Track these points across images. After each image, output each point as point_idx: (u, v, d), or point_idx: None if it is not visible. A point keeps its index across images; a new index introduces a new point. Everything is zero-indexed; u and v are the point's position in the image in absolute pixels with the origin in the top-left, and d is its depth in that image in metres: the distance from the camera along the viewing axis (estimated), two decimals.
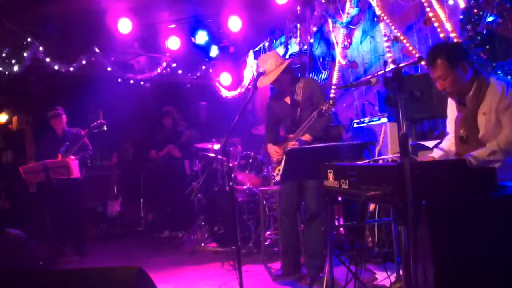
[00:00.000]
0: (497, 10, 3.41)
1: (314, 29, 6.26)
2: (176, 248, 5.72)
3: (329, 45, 6.23)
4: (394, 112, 1.91)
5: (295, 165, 3.34)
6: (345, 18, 5.57)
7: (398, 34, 4.66)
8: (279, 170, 3.79)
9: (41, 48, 6.41)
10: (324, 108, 3.34)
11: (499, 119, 2.41)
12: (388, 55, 4.79)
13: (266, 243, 4.85)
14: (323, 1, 5.84)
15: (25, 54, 6.29)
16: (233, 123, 3.28)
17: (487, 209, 1.82)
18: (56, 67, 6.60)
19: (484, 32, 3.47)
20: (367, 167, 2.22)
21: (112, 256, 5.53)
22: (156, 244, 6.04)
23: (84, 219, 5.96)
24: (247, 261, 4.51)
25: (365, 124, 4.63)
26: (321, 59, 6.43)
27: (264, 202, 4.83)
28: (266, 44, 7.63)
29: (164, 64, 7.60)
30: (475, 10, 3.53)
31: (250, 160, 4.92)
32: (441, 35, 4.05)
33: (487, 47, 3.47)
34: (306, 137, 3.65)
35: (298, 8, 6.57)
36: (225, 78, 8.34)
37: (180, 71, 7.84)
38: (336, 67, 5.81)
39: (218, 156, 5.51)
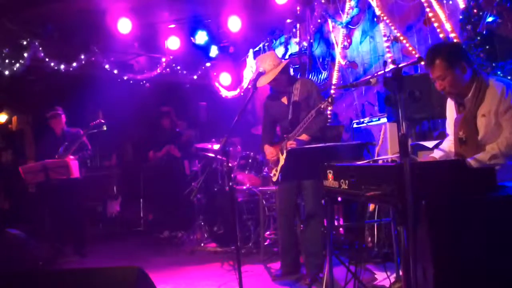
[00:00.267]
0: (496, 10, 3.40)
1: (314, 29, 6.27)
2: (176, 248, 5.71)
3: (329, 45, 6.24)
4: (394, 112, 1.91)
5: (295, 165, 3.34)
6: (344, 18, 5.57)
7: (398, 34, 4.66)
8: (276, 171, 3.79)
9: (40, 48, 6.40)
10: (322, 106, 3.33)
11: (498, 121, 2.40)
12: (388, 55, 4.79)
13: (265, 243, 4.86)
14: (323, 1, 5.84)
15: (25, 54, 6.29)
16: (233, 123, 3.28)
17: (487, 209, 1.82)
18: (55, 67, 6.60)
19: (484, 32, 3.47)
20: (367, 167, 2.22)
21: (112, 256, 5.51)
22: (155, 244, 6.03)
23: (84, 219, 5.95)
24: (247, 261, 4.51)
25: (364, 124, 4.64)
26: (320, 59, 6.44)
27: (264, 202, 4.83)
28: (266, 44, 7.64)
29: (164, 64, 7.60)
30: (475, 10, 3.53)
31: (250, 160, 4.93)
32: (441, 35, 4.05)
33: (487, 47, 3.47)
34: (304, 137, 3.64)
35: (298, 8, 6.58)
36: (225, 78, 8.35)
37: (180, 71, 7.84)
38: (336, 67, 5.82)
39: (218, 156, 5.51)
